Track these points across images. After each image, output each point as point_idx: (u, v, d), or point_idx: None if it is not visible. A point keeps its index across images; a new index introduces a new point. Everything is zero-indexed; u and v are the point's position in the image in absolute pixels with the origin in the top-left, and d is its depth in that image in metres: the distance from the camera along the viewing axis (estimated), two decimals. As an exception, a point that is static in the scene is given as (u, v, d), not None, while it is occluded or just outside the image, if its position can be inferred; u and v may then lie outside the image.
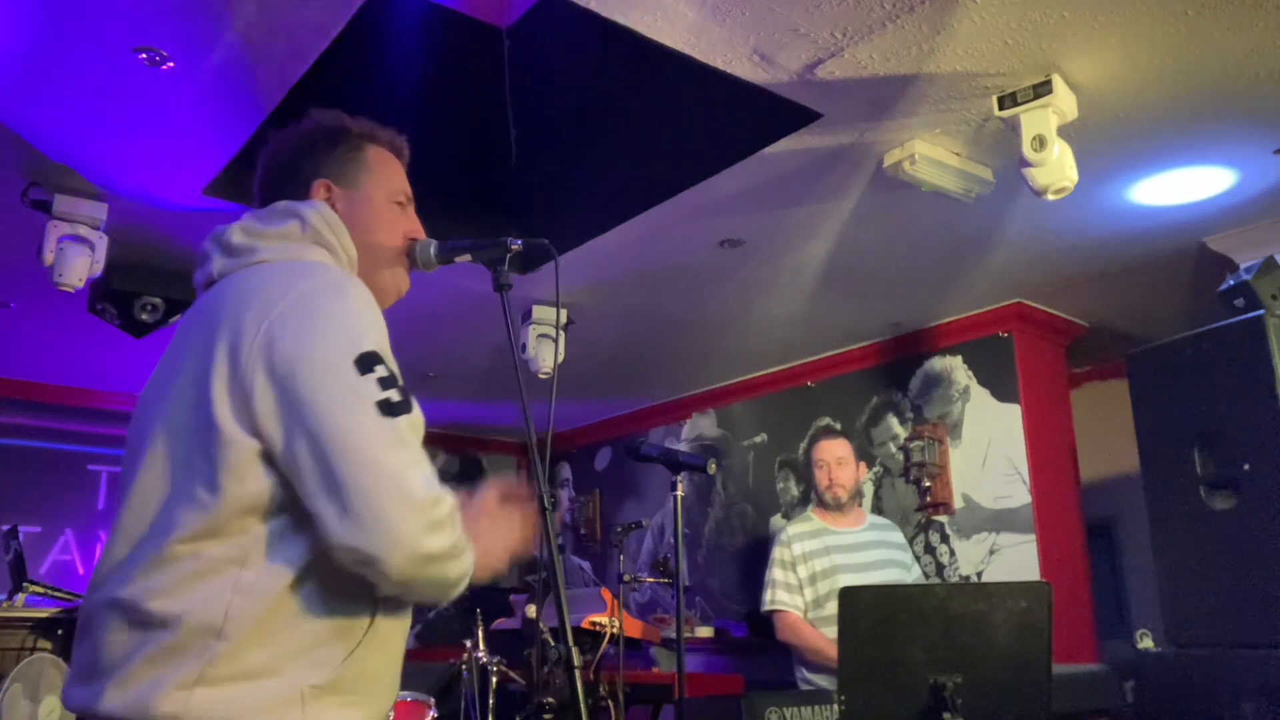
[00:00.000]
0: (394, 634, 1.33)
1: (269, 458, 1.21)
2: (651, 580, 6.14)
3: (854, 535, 3.65)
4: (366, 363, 1.22)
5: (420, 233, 1.56)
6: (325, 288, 1.28)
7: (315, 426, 1.18)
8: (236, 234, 1.37)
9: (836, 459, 3.69)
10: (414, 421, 1.24)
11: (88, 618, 1.24)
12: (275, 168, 1.48)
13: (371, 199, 1.50)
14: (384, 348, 1.27)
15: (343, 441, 1.17)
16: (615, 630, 3.83)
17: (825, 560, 3.54)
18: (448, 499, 1.21)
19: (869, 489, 5.28)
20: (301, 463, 1.18)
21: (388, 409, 1.21)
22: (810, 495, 5.26)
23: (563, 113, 3.12)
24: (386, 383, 1.23)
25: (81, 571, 6.17)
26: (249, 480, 1.20)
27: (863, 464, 3.83)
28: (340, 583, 1.23)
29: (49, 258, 3.41)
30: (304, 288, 1.26)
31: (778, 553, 3.62)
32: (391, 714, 3.43)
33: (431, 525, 1.18)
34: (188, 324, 1.35)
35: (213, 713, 1.15)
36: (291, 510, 1.22)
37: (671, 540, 6.31)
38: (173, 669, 1.16)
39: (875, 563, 3.58)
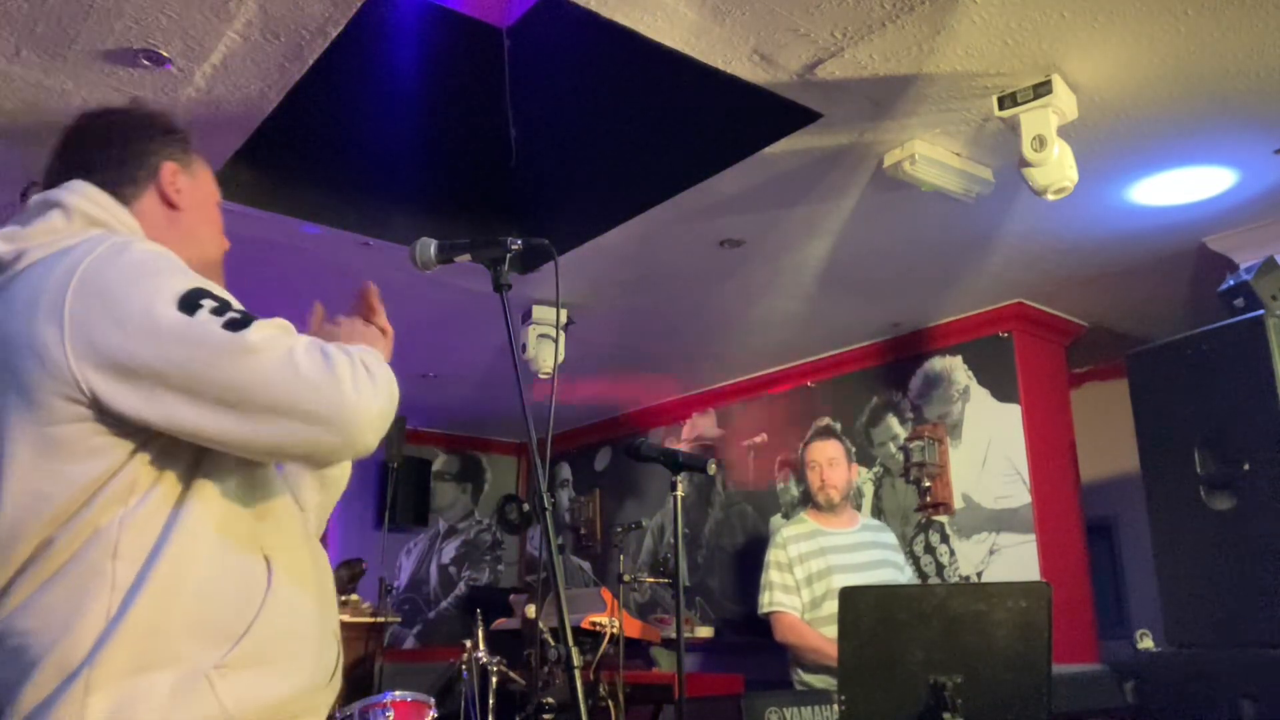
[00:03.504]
0: (301, 589, 1.26)
1: (128, 444, 1.15)
2: (651, 580, 6.14)
3: (848, 536, 3.65)
4: (191, 301, 1.15)
5: (226, 244, 1.49)
6: (108, 254, 1.18)
7: (189, 382, 1.12)
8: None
9: (828, 460, 3.69)
10: (263, 322, 1.17)
11: None
12: (106, 142, 1.37)
13: (207, 194, 1.45)
14: (198, 280, 1.20)
15: (222, 379, 1.12)
16: (615, 630, 3.83)
17: (820, 561, 3.54)
18: (340, 357, 1.17)
19: (869, 489, 5.28)
20: (203, 426, 1.14)
21: (234, 325, 1.14)
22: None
23: (563, 113, 3.12)
24: (220, 309, 1.16)
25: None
26: (103, 474, 1.14)
27: (855, 464, 3.83)
28: (226, 548, 1.19)
29: (49, 258, 3.41)
30: (85, 266, 1.16)
31: (773, 555, 3.62)
32: (391, 713, 3.44)
33: (355, 391, 1.16)
34: None
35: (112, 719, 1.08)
36: (157, 486, 1.17)
37: (671, 540, 6.31)
38: (59, 690, 1.08)
39: (870, 563, 3.58)
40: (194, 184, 1.42)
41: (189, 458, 1.20)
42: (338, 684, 1.31)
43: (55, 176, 1.34)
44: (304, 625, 1.25)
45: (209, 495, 1.20)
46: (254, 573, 1.21)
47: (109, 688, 1.08)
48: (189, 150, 1.44)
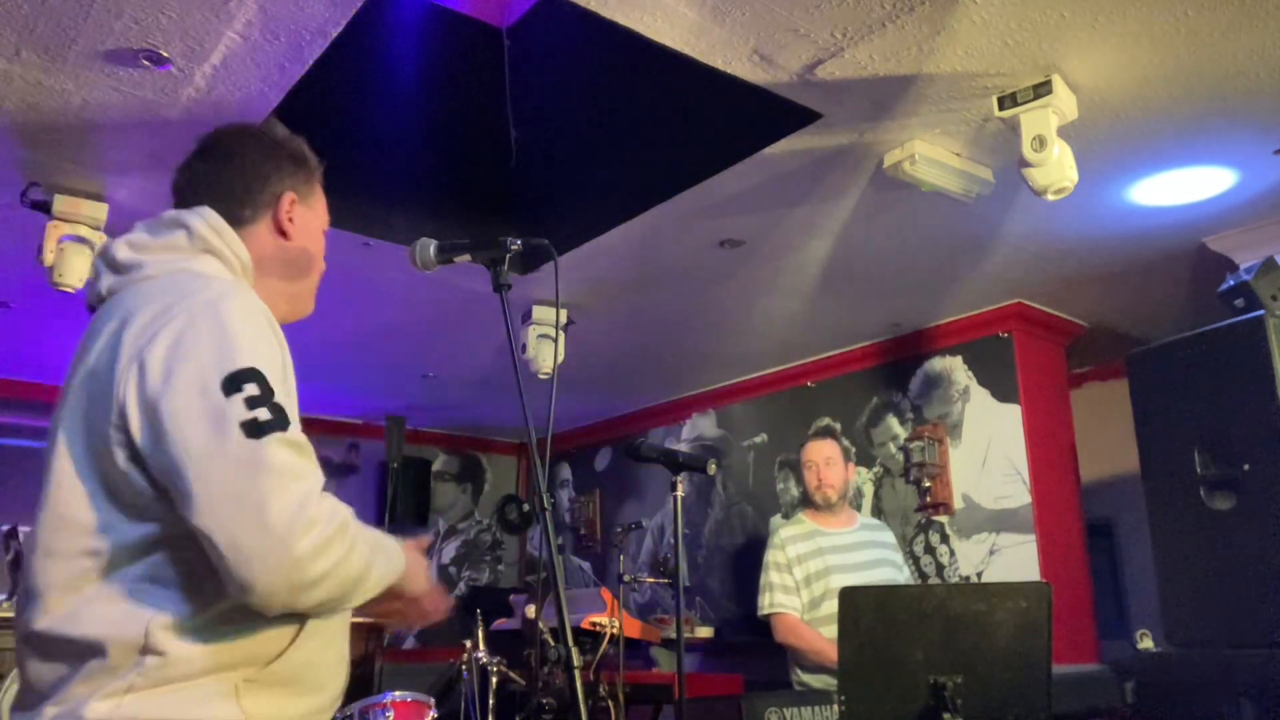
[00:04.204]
0: (332, 622, 1.32)
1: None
2: (651, 580, 6.14)
3: (846, 536, 3.64)
4: (235, 382, 1.17)
5: (323, 267, 1.55)
6: (203, 306, 1.24)
7: (177, 456, 1.15)
8: (122, 250, 1.35)
9: (824, 459, 3.68)
10: (288, 439, 1.18)
11: (28, 635, 1.23)
12: (237, 168, 1.46)
13: (319, 224, 1.54)
14: (264, 362, 1.22)
15: (201, 473, 1.14)
16: (615, 630, 3.83)
17: (819, 561, 3.54)
18: (321, 523, 1.15)
19: (869, 489, 5.28)
20: (173, 492, 1.16)
21: (253, 429, 1.15)
22: (810, 495, 5.27)
23: (563, 113, 3.12)
24: (255, 401, 1.17)
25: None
26: (150, 504, 1.20)
27: (851, 464, 3.82)
28: None
29: (49, 258, 3.41)
30: (182, 308, 1.23)
31: (772, 555, 3.62)
32: (391, 713, 3.44)
33: (304, 554, 1.13)
34: (82, 349, 1.32)
35: (143, 714, 1.15)
36: None
37: (671, 540, 6.31)
38: (104, 685, 1.16)
39: (868, 563, 3.58)
40: (308, 214, 1.50)
41: None
42: (339, 702, 1.37)
43: (185, 189, 1.44)
44: (327, 656, 1.31)
45: None
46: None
47: (148, 691, 1.16)
48: (311, 180, 1.52)
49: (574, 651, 1.46)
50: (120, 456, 1.20)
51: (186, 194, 1.44)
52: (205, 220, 1.38)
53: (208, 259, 1.36)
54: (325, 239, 1.56)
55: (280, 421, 1.18)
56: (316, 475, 1.20)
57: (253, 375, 1.19)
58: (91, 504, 1.21)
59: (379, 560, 1.27)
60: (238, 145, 1.48)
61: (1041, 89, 2.85)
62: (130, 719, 1.15)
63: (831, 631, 2.77)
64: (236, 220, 1.41)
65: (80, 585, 1.19)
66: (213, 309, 1.24)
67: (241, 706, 1.19)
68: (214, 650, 1.19)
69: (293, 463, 1.17)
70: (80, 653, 1.18)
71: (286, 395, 1.23)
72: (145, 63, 2.76)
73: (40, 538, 1.24)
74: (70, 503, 1.22)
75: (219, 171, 1.44)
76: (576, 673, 1.46)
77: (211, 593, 1.19)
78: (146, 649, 1.16)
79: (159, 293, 1.28)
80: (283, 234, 1.46)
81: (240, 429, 1.15)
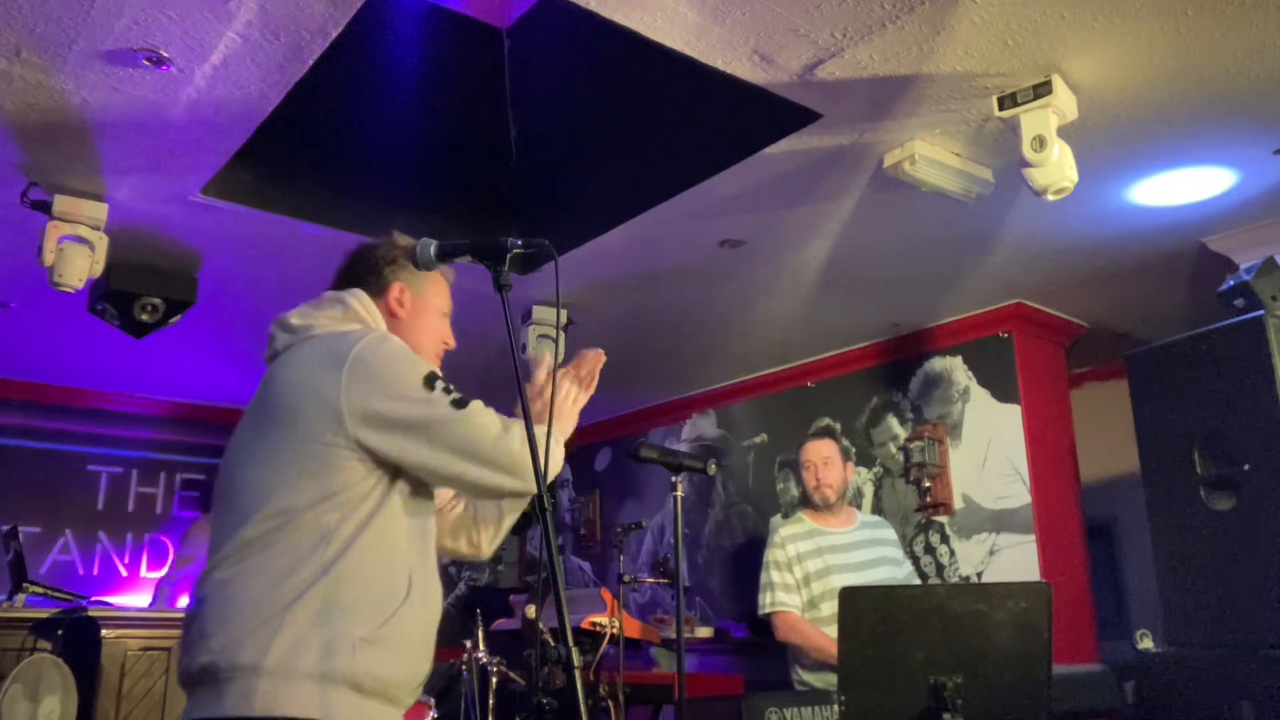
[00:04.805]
0: (429, 603, 1.70)
1: (363, 469, 1.64)
2: (651, 580, 6.14)
3: (846, 535, 3.64)
4: (430, 381, 1.69)
5: (452, 341, 2.01)
6: (376, 342, 1.72)
7: (427, 436, 1.66)
8: (294, 318, 1.83)
9: (823, 459, 3.68)
10: (477, 403, 1.72)
11: (201, 596, 1.61)
12: (365, 267, 1.94)
13: (429, 305, 1.97)
14: (433, 366, 1.73)
15: (449, 440, 1.67)
16: (615, 630, 3.83)
17: (819, 561, 3.54)
18: (516, 435, 1.69)
19: (869, 489, 5.28)
20: (429, 462, 1.67)
21: (459, 404, 1.69)
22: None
23: (563, 113, 3.12)
24: (447, 389, 1.70)
25: (81, 572, 6.17)
26: (341, 485, 1.62)
27: (850, 464, 3.82)
28: (385, 558, 1.64)
29: (49, 258, 3.41)
30: (362, 346, 1.70)
31: (772, 554, 3.61)
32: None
33: (514, 452, 1.68)
34: (267, 389, 1.76)
35: (281, 659, 1.52)
36: (365, 503, 1.63)
37: (671, 540, 6.31)
38: (256, 628, 1.53)
39: (868, 562, 3.58)
40: (417, 299, 1.95)
41: (385, 488, 1.68)
42: (419, 693, 1.72)
43: (337, 279, 1.96)
44: (419, 635, 1.68)
45: (389, 516, 1.67)
46: (399, 583, 1.65)
47: (292, 630, 1.53)
48: (422, 273, 1.93)
49: (574, 651, 1.46)
50: (337, 452, 1.63)
51: (339, 283, 1.94)
52: (358, 299, 1.87)
53: (354, 324, 1.82)
54: (440, 319, 1.98)
55: (465, 395, 1.71)
56: (497, 414, 1.72)
57: (436, 374, 1.70)
58: (291, 489, 1.61)
59: (523, 429, 1.73)
60: (364, 250, 1.98)
61: (1041, 89, 2.85)
62: (277, 680, 1.50)
63: (832, 632, 2.77)
64: None
65: (261, 547, 1.58)
66: (385, 341, 1.74)
67: (355, 660, 1.54)
68: (341, 608, 1.55)
69: (487, 412, 1.71)
70: (246, 591, 1.56)
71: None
72: (145, 63, 2.76)
73: (230, 512, 1.64)
74: (248, 499, 1.63)
75: (353, 268, 1.96)
76: (576, 673, 1.46)
77: (352, 558, 1.59)
78: (293, 602, 1.54)
79: (330, 344, 1.73)
80: (393, 315, 1.91)
81: (452, 406, 1.68)
